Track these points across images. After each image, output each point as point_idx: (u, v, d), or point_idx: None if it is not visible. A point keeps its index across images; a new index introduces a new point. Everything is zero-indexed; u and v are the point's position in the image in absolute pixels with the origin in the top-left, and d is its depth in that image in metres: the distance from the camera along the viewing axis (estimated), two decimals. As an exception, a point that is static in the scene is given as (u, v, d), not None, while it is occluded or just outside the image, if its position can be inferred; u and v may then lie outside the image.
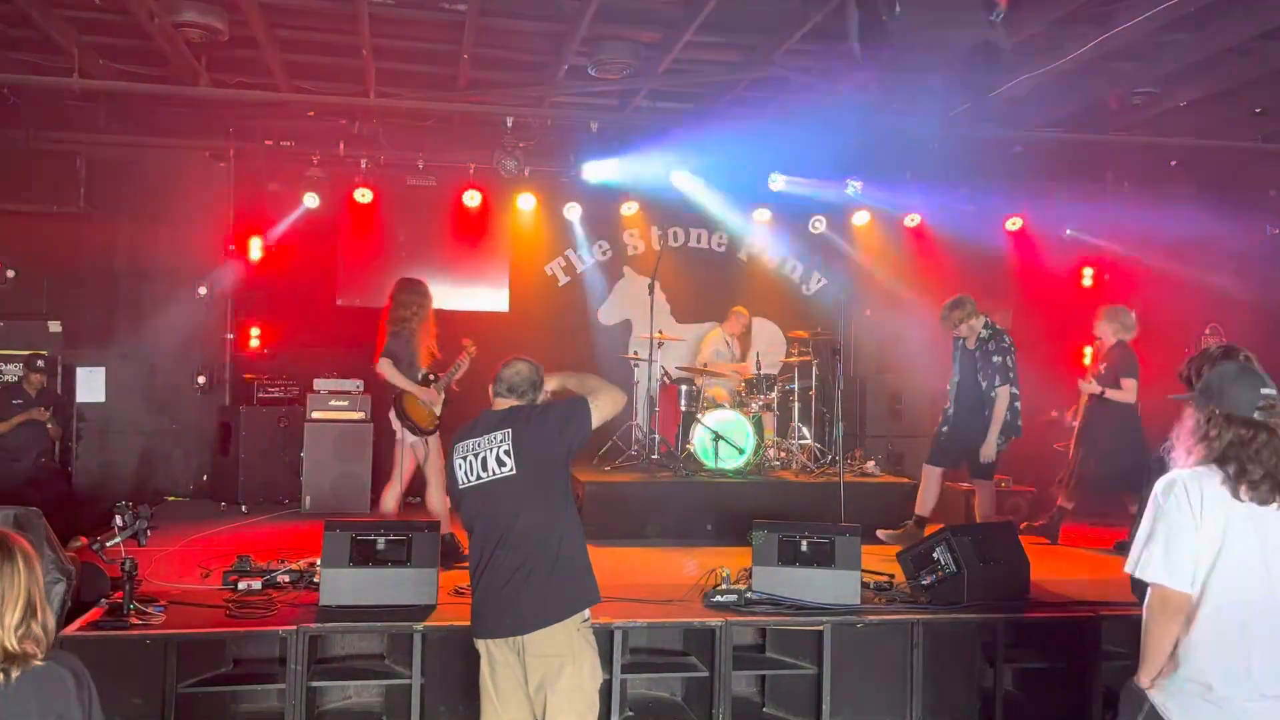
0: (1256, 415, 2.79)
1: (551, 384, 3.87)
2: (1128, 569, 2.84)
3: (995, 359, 6.91)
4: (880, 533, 7.20)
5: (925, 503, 7.26)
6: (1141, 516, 2.91)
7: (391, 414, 6.49)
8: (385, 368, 6.30)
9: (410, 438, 6.44)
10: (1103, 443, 7.40)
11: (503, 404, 3.74)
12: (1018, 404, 7.02)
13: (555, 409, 3.69)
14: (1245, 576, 2.72)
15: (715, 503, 7.56)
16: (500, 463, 3.56)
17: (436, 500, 6.57)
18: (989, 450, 7.01)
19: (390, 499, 6.57)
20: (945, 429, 7.33)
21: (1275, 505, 2.74)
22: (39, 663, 2.34)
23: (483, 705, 3.65)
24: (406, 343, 6.41)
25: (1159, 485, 2.83)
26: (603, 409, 3.67)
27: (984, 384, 6.99)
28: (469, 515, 3.67)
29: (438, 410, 6.46)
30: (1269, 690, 2.70)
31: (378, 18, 7.01)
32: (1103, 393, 7.34)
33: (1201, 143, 9.27)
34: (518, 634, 3.50)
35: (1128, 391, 7.27)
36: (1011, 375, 6.93)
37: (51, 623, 2.44)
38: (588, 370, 4.01)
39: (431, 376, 6.50)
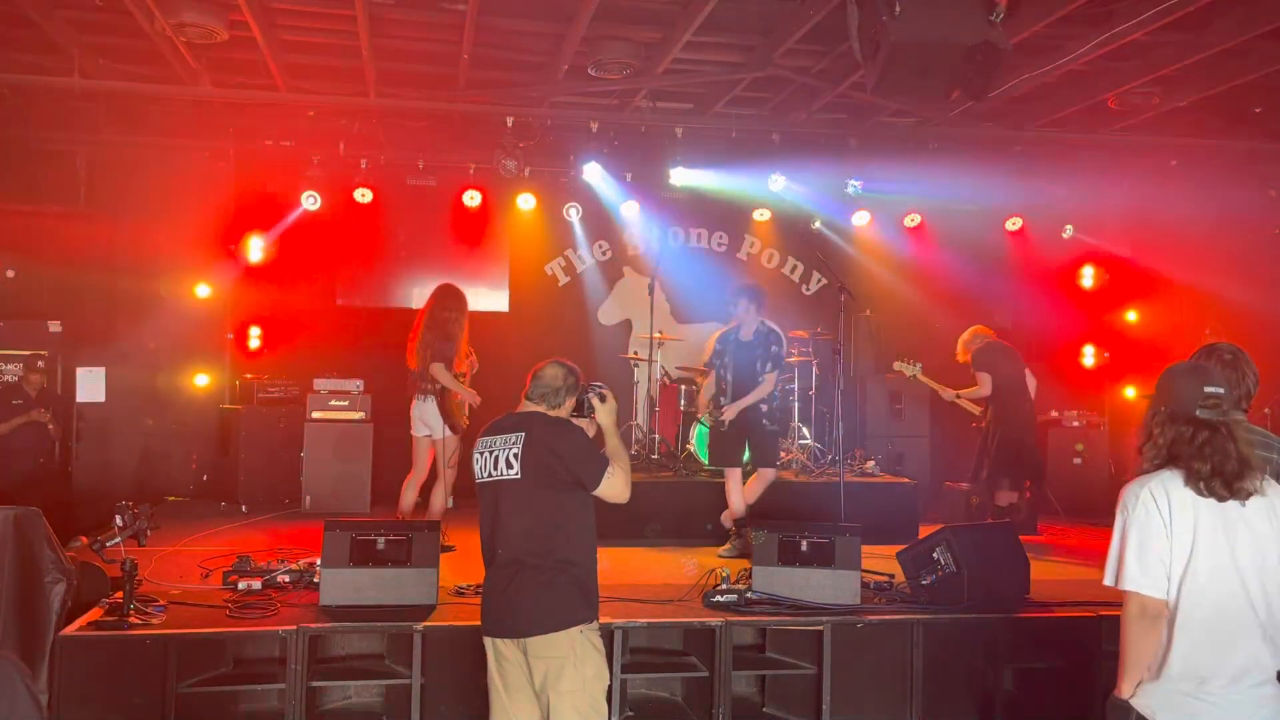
0: (1199, 413, 2.82)
1: (603, 419, 3.88)
2: (1106, 582, 2.84)
3: (773, 349, 6.99)
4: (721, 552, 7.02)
5: (736, 506, 7.03)
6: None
7: (421, 412, 6.78)
8: (439, 371, 6.64)
9: (445, 434, 6.75)
10: (997, 436, 7.81)
11: (527, 407, 3.80)
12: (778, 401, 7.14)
13: (576, 439, 3.69)
14: (1217, 573, 2.75)
15: (715, 503, 7.55)
16: (509, 464, 3.63)
17: (440, 500, 6.75)
18: (730, 411, 6.91)
19: (411, 492, 6.86)
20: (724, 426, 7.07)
21: (1234, 501, 2.77)
22: None
23: (491, 702, 3.68)
24: (452, 346, 6.74)
25: (1127, 494, 2.84)
26: (613, 484, 3.65)
27: (758, 366, 7.00)
28: (481, 509, 3.75)
29: (466, 411, 6.81)
30: (1250, 680, 2.75)
31: (378, 18, 7.01)
32: (957, 397, 7.92)
33: (1201, 142, 9.28)
34: (515, 637, 3.55)
35: (982, 386, 7.76)
36: (783, 365, 7.11)
37: None
38: (590, 375, 4.02)
39: (461, 378, 6.85)
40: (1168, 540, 2.75)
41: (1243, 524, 2.78)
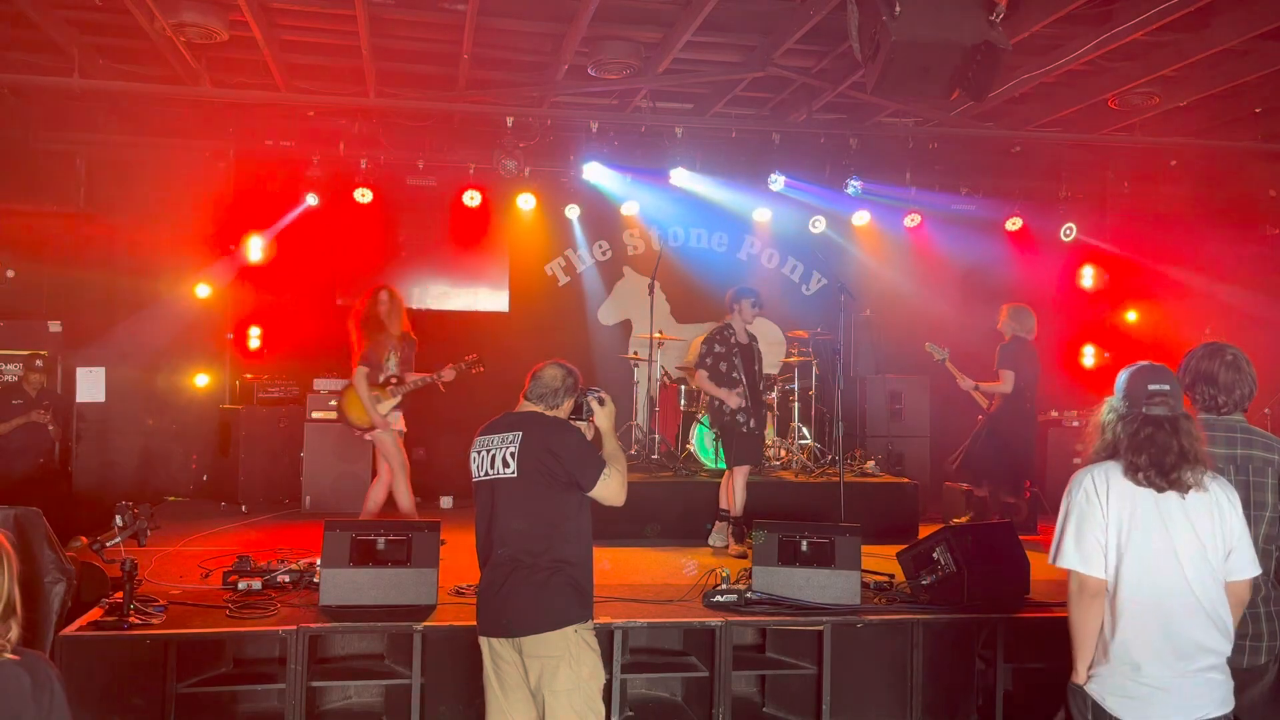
0: (1145, 409, 2.98)
1: (601, 422, 3.89)
2: (1050, 561, 3.05)
3: (759, 348, 7.38)
4: (732, 545, 7.07)
5: (737, 503, 7.14)
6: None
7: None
8: (358, 377, 6.60)
9: (375, 433, 6.66)
10: (989, 430, 7.77)
11: (526, 407, 3.81)
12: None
13: (574, 440, 3.69)
14: (1155, 560, 2.90)
15: (715, 503, 7.56)
16: (505, 463, 3.64)
17: (403, 497, 6.71)
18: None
19: (377, 492, 6.79)
20: (753, 423, 7.15)
21: (1175, 492, 2.92)
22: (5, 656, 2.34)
23: (488, 701, 3.69)
24: (375, 354, 6.66)
25: (1072, 481, 3.04)
26: (609, 486, 3.65)
27: (758, 367, 7.39)
28: (478, 507, 3.76)
29: (384, 410, 6.62)
30: (1188, 665, 2.87)
31: (378, 18, 7.01)
32: (975, 387, 7.77)
33: (1201, 142, 9.28)
34: (510, 636, 3.55)
35: (1004, 383, 7.60)
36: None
37: (18, 628, 2.43)
38: (589, 375, 4.03)
39: (393, 380, 6.70)
40: (1104, 523, 2.93)
41: (1183, 515, 2.92)
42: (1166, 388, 3.01)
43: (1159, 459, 2.91)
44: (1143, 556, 2.89)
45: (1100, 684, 2.96)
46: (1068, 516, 3.01)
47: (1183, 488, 2.91)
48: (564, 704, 3.49)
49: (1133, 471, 2.93)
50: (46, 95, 8.48)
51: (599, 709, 3.60)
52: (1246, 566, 2.99)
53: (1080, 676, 3.02)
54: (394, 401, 6.73)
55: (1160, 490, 2.91)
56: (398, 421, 6.75)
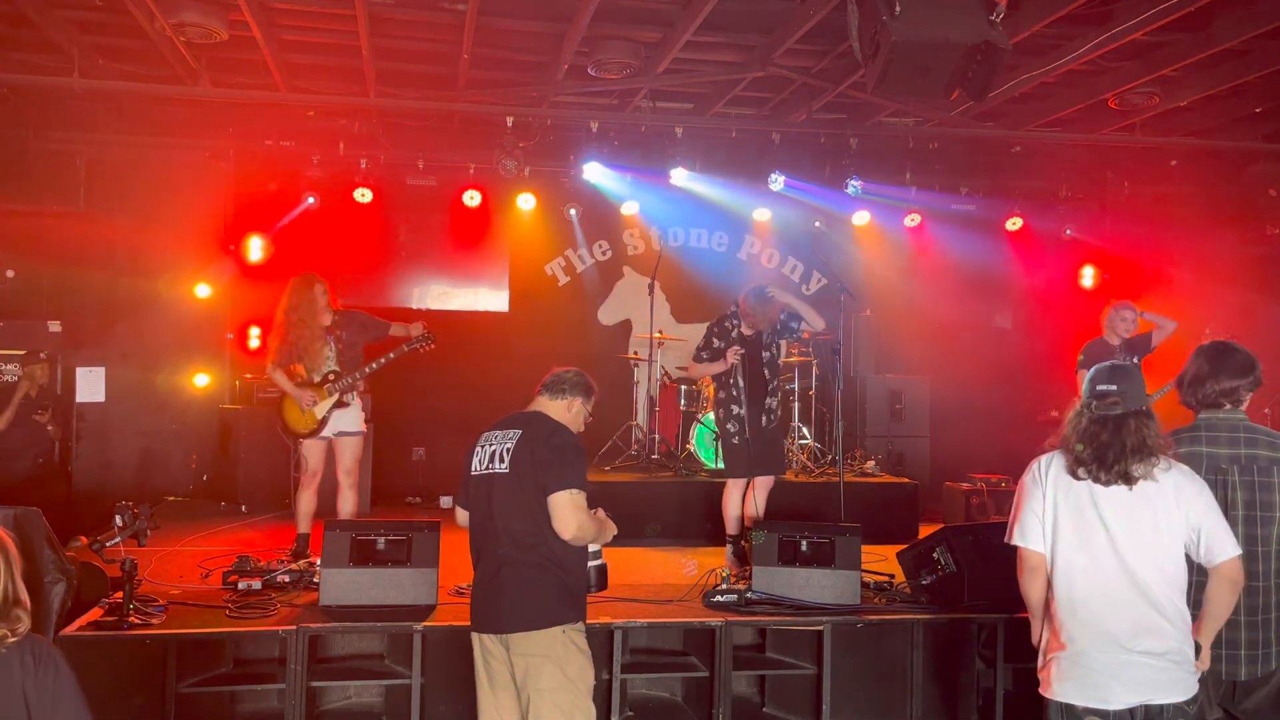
0: (1094, 406, 3.17)
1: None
2: (1005, 539, 3.27)
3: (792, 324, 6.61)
4: (728, 562, 6.41)
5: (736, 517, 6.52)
6: None
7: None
8: (273, 375, 6.22)
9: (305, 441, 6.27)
10: None
11: (535, 403, 3.84)
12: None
13: (565, 443, 3.69)
14: (1087, 546, 3.06)
15: (715, 503, 7.55)
16: (501, 459, 3.67)
17: (302, 502, 6.37)
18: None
19: (304, 497, 6.37)
20: (746, 434, 6.32)
21: (1118, 487, 3.04)
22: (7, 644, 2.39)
23: (479, 696, 3.72)
24: (288, 348, 6.24)
25: (1028, 468, 3.27)
26: (569, 504, 3.54)
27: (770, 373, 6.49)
28: (472, 503, 3.77)
29: (319, 413, 6.19)
30: (1124, 649, 2.99)
31: (378, 18, 7.01)
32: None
33: (1201, 143, 9.28)
34: (498, 633, 3.57)
35: None
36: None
37: (27, 619, 2.48)
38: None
39: (331, 375, 6.28)
40: (1042, 504, 3.16)
41: (1125, 504, 3.04)
42: (1114, 388, 3.14)
43: (1101, 454, 3.06)
44: (1074, 541, 3.08)
45: (1050, 668, 3.11)
46: (1017, 498, 3.25)
47: (1128, 480, 3.04)
48: (548, 702, 3.50)
49: (1074, 463, 3.11)
50: (46, 95, 8.47)
51: (587, 708, 3.60)
52: (1225, 547, 3.04)
53: (1035, 637, 3.27)
54: (331, 400, 6.21)
55: (1102, 482, 3.05)
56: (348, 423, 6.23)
